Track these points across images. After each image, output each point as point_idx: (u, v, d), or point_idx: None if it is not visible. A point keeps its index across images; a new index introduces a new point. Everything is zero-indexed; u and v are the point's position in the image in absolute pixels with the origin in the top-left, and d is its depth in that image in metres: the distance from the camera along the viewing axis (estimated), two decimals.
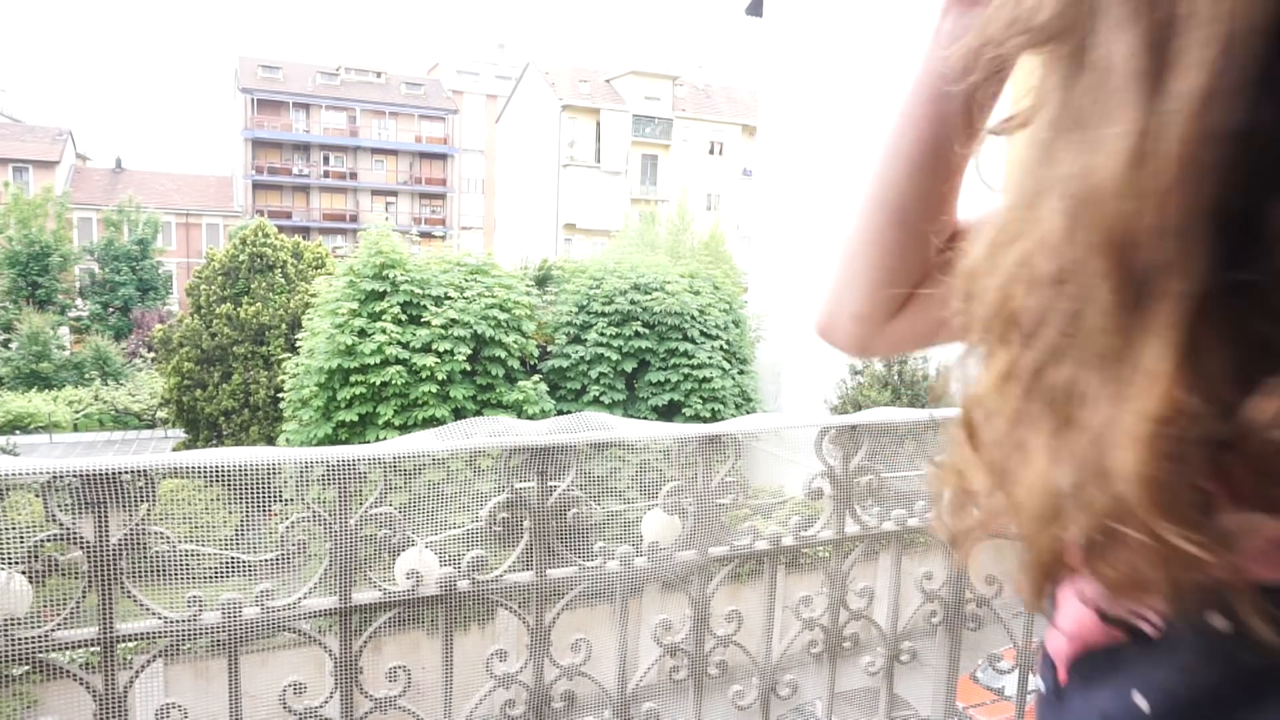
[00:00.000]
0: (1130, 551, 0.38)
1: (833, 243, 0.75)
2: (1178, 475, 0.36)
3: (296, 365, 13.56)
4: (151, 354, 26.37)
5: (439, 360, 12.52)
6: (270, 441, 16.60)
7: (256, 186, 43.82)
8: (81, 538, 1.49)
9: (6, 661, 1.46)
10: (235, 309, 19.17)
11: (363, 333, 12.52)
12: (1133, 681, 0.49)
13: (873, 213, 0.67)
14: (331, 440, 12.31)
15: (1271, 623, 0.40)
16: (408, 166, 48.00)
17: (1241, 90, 0.33)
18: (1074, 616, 0.52)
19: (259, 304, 19.17)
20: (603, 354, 13.91)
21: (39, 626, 1.48)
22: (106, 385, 27.25)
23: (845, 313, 0.73)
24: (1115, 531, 0.37)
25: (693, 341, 14.19)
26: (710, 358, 14.21)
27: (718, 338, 14.55)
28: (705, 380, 14.09)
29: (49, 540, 1.49)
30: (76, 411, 25.73)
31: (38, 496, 1.47)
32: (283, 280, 19.74)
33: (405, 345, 12.53)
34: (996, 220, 0.41)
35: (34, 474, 1.46)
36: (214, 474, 1.57)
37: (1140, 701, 0.48)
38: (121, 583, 1.52)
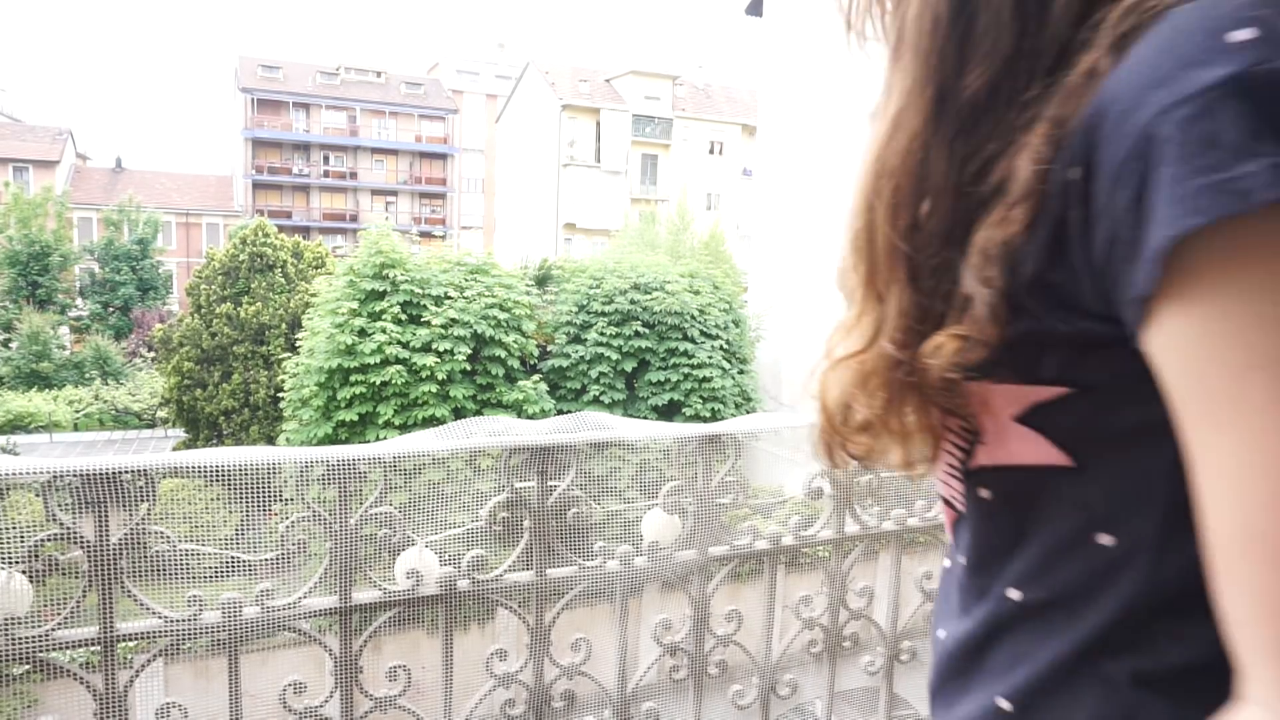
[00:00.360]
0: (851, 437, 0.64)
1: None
2: (865, 391, 0.60)
3: (296, 365, 13.55)
4: (151, 353, 26.36)
5: (439, 360, 12.51)
6: (270, 441, 16.59)
7: (256, 186, 43.80)
8: (82, 537, 1.49)
9: (7, 661, 1.46)
10: (235, 309, 19.15)
11: (363, 332, 12.51)
12: (959, 549, 0.69)
13: None
14: (331, 440, 12.30)
15: (997, 492, 0.62)
16: (408, 166, 47.98)
17: (895, 140, 0.56)
18: (940, 505, 0.74)
19: (259, 304, 19.15)
20: (603, 354, 13.90)
21: (39, 626, 1.49)
22: (106, 385, 27.24)
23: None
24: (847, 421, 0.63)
25: (693, 341, 14.19)
26: (710, 357, 14.20)
27: (718, 337, 14.54)
28: (705, 380, 14.08)
29: (49, 540, 1.49)
30: (76, 411, 25.72)
31: (38, 496, 1.47)
32: (283, 280, 19.72)
33: (405, 345, 12.52)
34: (847, 229, 0.62)
35: (34, 473, 1.47)
36: (214, 474, 1.57)
37: (961, 559, 0.68)
38: (122, 582, 1.52)
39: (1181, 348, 0.45)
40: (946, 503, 0.70)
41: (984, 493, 0.63)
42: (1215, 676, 0.48)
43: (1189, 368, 0.45)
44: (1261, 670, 0.44)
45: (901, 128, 0.56)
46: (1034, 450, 0.57)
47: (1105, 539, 0.55)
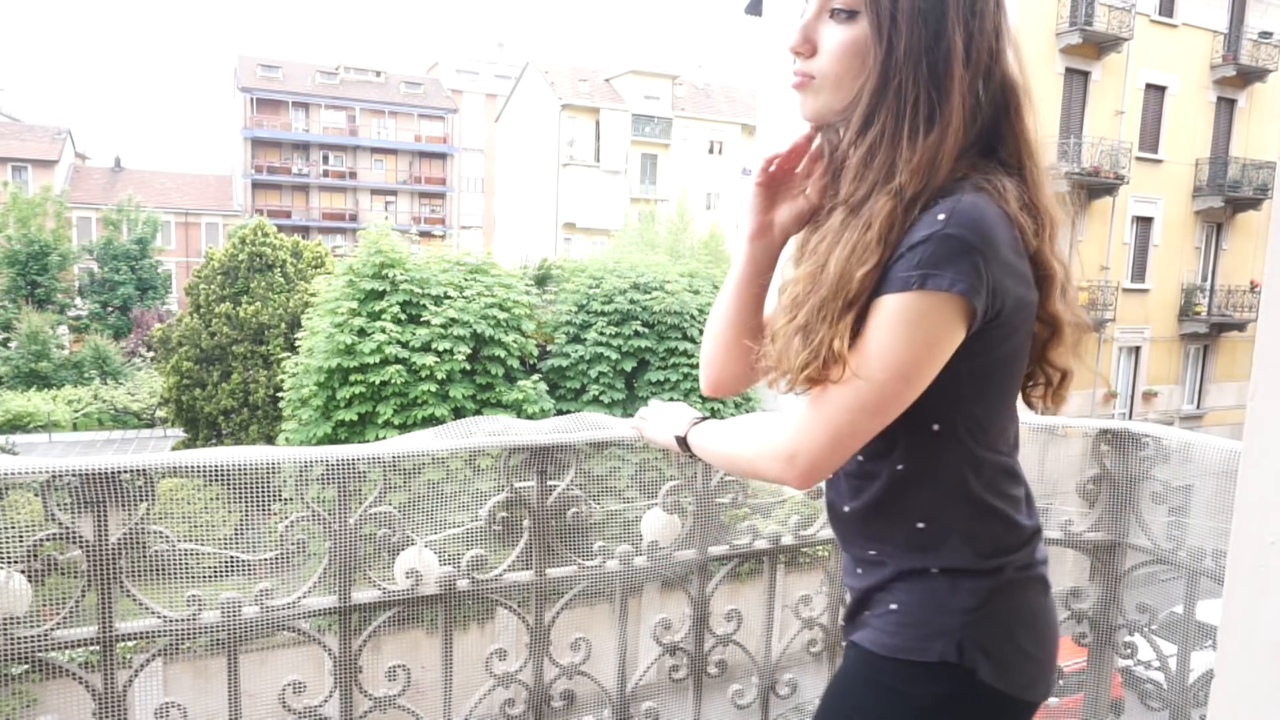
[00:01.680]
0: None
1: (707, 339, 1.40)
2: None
3: (296, 364, 13.54)
4: (150, 353, 26.35)
5: (438, 359, 12.51)
6: (270, 441, 16.58)
7: (256, 186, 43.77)
8: (81, 537, 1.49)
9: (6, 660, 1.46)
10: (234, 308, 19.14)
11: (362, 332, 12.51)
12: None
13: (732, 324, 1.32)
14: (331, 439, 12.30)
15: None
16: (407, 166, 47.96)
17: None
18: None
19: (258, 303, 19.14)
20: (602, 353, 13.90)
21: (38, 626, 1.48)
22: (106, 384, 27.23)
23: (728, 378, 1.36)
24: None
25: (692, 341, 14.19)
26: None
27: None
28: None
29: (48, 539, 1.49)
30: (76, 411, 25.71)
31: (37, 496, 1.47)
32: (282, 279, 19.71)
33: (405, 344, 12.52)
34: (795, 280, 1.14)
35: (33, 473, 1.46)
36: (213, 473, 1.57)
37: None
38: (121, 582, 1.52)
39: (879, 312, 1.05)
40: None
41: None
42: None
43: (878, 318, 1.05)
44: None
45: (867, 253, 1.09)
46: None
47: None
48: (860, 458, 1.17)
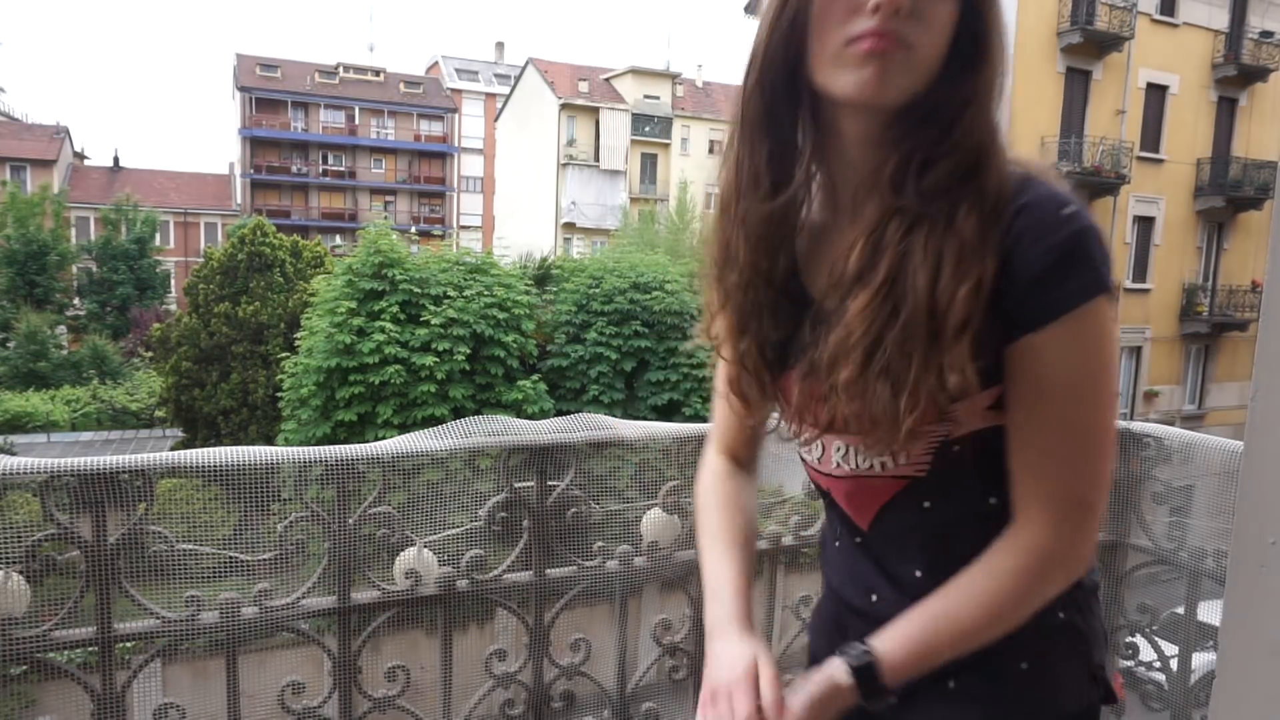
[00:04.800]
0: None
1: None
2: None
3: (295, 364, 13.52)
4: (149, 353, 26.28)
5: (438, 359, 12.49)
6: (269, 441, 16.55)
7: (255, 185, 43.73)
8: (79, 537, 1.49)
9: (5, 661, 1.45)
10: (233, 308, 19.10)
11: (361, 332, 12.49)
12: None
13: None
14: (330, 440, 12.28)
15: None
16: (406, 165, 47.93)
17: None
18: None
19: (257, 303, 19.10)
20: (602, 353, 13.89)
21: (37, 626, 1.48)
22: (104, 384, 27.19)
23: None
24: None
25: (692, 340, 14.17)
26: (710, 356, 14.17)
27: None
28: (705, 379, 14.07)
29: (47, 540, 1.48)
30: (74, 410, 25.68)
31: (35, 496, 1.46)
32: (281, 279, 19.67)
33: (404, 344, 12.50)
34: (853, 318, 0.90)
35: (32, 473, 1.46)
36: (212, 473, 1.57)
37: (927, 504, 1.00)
38: (119, 582, 1.52)
39: (1070, 328, 0.87)
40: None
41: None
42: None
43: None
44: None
45: None
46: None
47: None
48: (927, 504, 0.95)
